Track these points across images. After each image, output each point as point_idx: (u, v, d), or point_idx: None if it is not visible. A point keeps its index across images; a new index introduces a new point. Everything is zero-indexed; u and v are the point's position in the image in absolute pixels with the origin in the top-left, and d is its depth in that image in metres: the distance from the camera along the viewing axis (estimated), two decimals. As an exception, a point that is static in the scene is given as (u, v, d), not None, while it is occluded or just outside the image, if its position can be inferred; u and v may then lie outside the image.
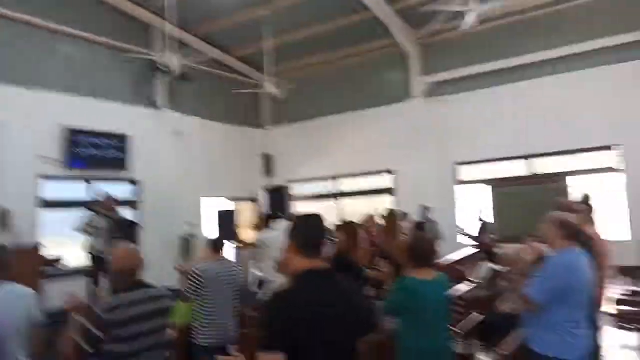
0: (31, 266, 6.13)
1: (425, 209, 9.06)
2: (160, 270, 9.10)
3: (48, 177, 8.08)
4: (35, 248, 6.79)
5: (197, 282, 3.89)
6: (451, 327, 4.12)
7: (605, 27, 8.63)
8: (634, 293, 5.19)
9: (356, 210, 11.75)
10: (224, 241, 4.35)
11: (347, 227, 4.71)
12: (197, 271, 3.92)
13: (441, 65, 10.45)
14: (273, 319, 1.79)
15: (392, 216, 6.73)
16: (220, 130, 11.47)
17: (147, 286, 2.61)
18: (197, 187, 10.40)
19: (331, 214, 10.97)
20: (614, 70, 8.56)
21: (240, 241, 10.36)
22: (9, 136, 7.38)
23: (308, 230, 1.95)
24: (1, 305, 2.70)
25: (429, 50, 10.63)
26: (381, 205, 10.06)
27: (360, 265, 4.58)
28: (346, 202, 11.96)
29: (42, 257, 6.96)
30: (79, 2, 8.84)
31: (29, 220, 7.53)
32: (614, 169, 8.70)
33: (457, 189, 10.27)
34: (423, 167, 10.30)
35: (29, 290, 2.87)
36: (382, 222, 6.44)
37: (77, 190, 8.51)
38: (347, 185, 11.87)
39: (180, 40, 9.92)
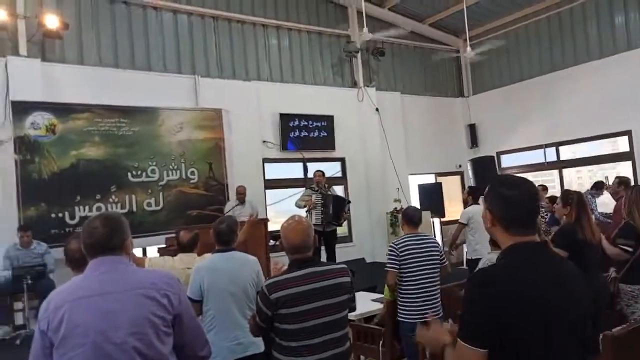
0: (260, 238, 6.85)
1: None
2: (371, 244, 9.61)
3: (269, 160, 9.06)
4: (263, 223, 7.44)
5: (393, 256, 3.89)
6: None
7: None
8: None
9: (580, 181, 10.31)
10: (421, 216, 4.18)
11: (575, 199, 4.05)
12: (393, 245, 3.95)
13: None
14: (476, 301, 1.47)
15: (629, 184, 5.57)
16: (419, 103, 11.19)
17: (318, 263, 2.52)
18: (402, 164, 10.36)
19: (550, 186, 9.76)
20: None
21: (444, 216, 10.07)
22: (236, 124, 8.41)
23: (508, 199, 1.54)
24: (230, 268, 3.10)
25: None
26: (614, 173, 8.52)
27: (592, 242, 3.93)
28: (567, 172, 10.51)
29: (268, 231, 7.68)
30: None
31: (257, 198, 8.43)
32: None
33: None
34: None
35: (253, 257, 3.26)
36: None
37: (291, 170, 9.37)
38: (566, 153, 10.40)
39: (374, 17, 10.01)
